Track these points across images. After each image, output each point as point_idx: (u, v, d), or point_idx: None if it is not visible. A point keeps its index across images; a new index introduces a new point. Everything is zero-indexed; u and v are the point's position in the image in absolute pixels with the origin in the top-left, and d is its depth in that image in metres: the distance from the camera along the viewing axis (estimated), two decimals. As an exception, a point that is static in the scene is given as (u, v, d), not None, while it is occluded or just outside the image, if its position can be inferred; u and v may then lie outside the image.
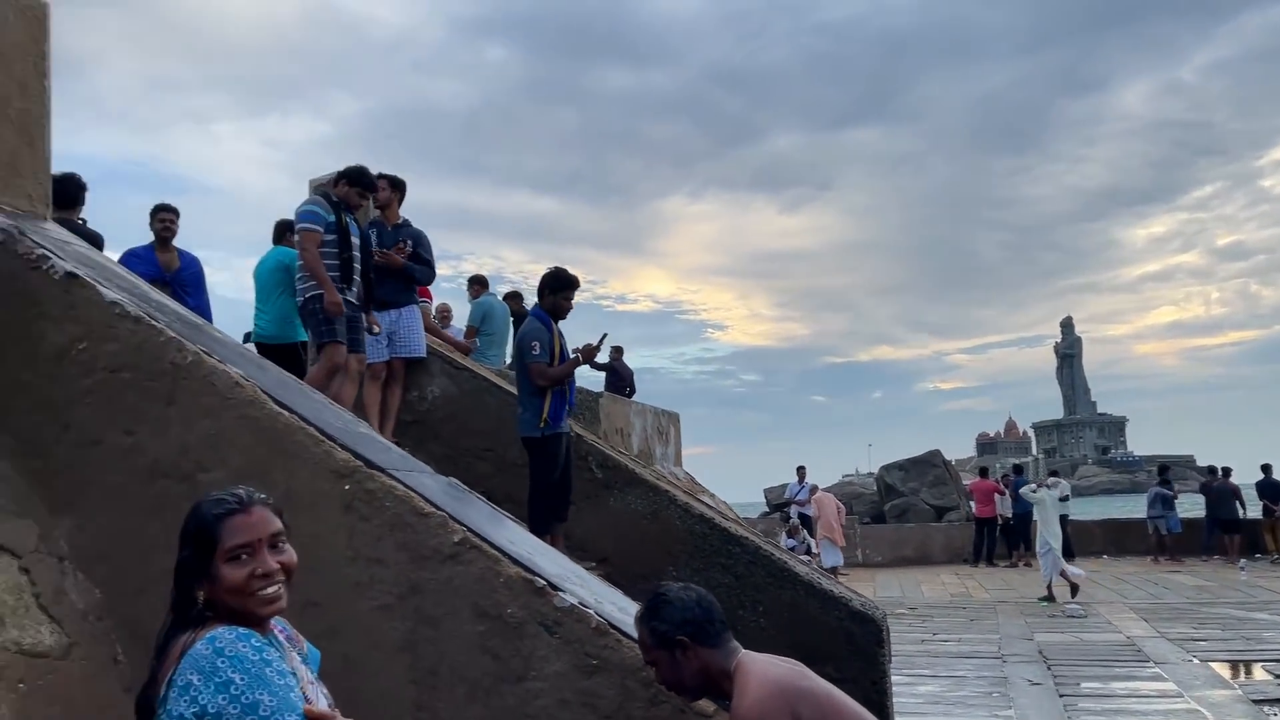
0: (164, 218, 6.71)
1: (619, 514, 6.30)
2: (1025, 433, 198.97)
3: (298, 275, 5.84)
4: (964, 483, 26.21)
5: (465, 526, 3.23)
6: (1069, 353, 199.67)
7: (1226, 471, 20.20)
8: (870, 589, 14.81)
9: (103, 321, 3.47)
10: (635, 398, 12.83)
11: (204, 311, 6.33)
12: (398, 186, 6.92)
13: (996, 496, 20.02)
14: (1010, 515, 19.58)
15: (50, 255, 3.56)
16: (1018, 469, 22.75)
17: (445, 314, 10.77)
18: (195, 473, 3.37)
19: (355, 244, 5.92)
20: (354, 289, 5.90)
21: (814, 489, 19.47)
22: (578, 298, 6.09)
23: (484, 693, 3.06)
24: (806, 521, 18.10)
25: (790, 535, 16.86)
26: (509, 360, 10.00)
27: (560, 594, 3.08)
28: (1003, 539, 20.27)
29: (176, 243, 6.77)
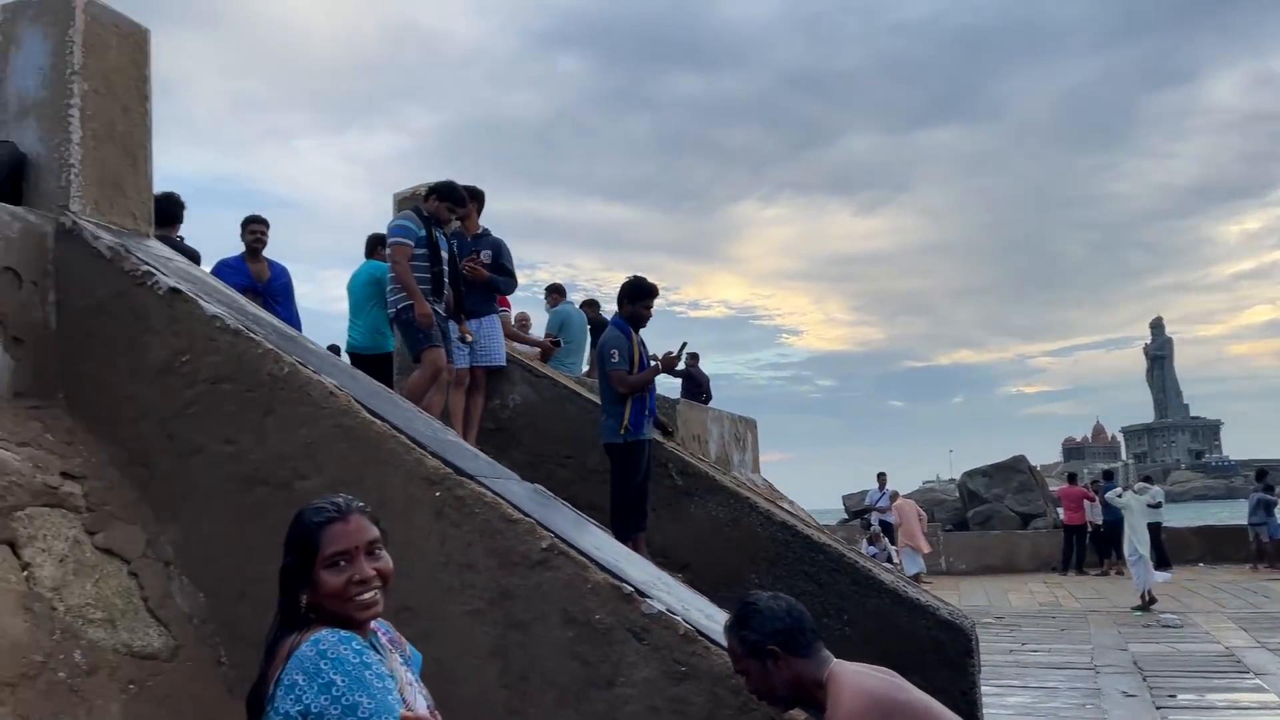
0: (255, 229, 6.92)
1: (699, 521, 6.29)
2: (1114, 437, 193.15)
3: (389, 287, 5.99)
4: (1051, 489, 25.54)
5: (553, 533, 3.26)
6: (1159, 354, 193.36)
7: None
8: (955, 598, 14.50)
9: (204, 335, 3.60)
10: (710, 404, 12.79)
11: (293, 320, 6.52)
12: (476, 197, 7.02)
13: (1086, 503, 19.47)
14: (1100, 522, 19.00)
15: (154, 271, 3.71)
16: (1107, 474, 22.03)
17: (524, 323, 10.88)
18: (292, 480, 3.47)
19: (445, 257, 6.05)
20: (443, 301, 6.03)
21: (894, 495, 19.18)
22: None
23: (574, 698, 3.08)
24: (887, 528, 17.84)
25: (871, 542, 16.63)
26: (586, 368, 10.08)
27: (648, 600, 3.09)
28: (1093, 546, 19.69)
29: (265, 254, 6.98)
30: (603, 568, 3.19)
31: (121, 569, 3.30)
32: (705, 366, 16.14)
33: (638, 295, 5.96)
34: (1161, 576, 13.65)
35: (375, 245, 7.05)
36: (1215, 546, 20.17)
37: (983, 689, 5.70)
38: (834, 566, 5.79)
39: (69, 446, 3.54)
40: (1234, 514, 22.34)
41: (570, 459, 6.71)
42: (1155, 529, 17.01)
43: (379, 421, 3.48)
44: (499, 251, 6.94)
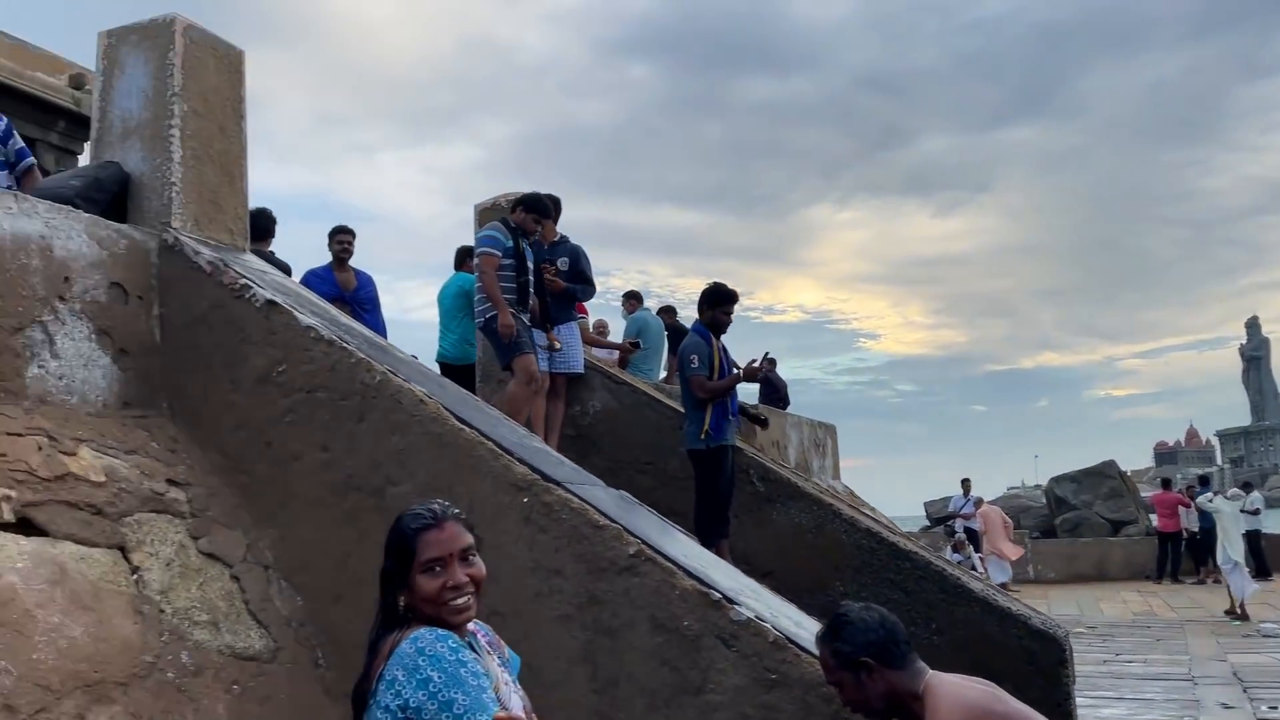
0: (342, 239, 7.10)
1: (782, 528, 6.24)
2: (1208, 441, 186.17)
3: (476, 298, 6.10)
4: (1143, 495, 24.72)
5: (640, 539, 3.28)
6: (1255, 355, 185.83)
7: None
8: (1045, 607, 14.13)
9: (300, 345, 3.70)
10: (788, 410, 12.70)
11: (380, 329, 6.67)
12: (552, 204, 7.10)
13: (1180, 509, 18.79)
14: (1196, 529, 18.33)
15: (252, 284, 3.83)
16: (1203, 480, 21.25)
17: (602, 329, 10.95)
18: (385, 486, 3.54)
19: (530, 267, 6.14)
20: (528, 310, 6.12)
21: (979, 502, 18.77)
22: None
23: (663, 704, 3.09)
24: (972, 536, 17.47)
25: (956, 550, 16.30)
26: (664, 373, 10.10)
27: (736, 607, 3.09)
28: (1188, 554, 19.00)
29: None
30: (690, 574, 3.19)
31: (224, 573, 3.41)
32: (781, 372, 16.03)
33: (717, 301, 5.97)
34: (1250, 589, 13.11)
35: (464, 257, 7.20)
36: (1320, 554, 19.29)
37: (1077, 700, 5.55)
38: (921, 574, 5.70)
39: (173, 454, 3.67)
40: (1340, 521, 21.33)
41: (650, 465, 6.72)
42: (1254, 536, 16.36)
43: (467, 429, 3.54)
44: (576, 258, 6.99)
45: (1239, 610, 13.17)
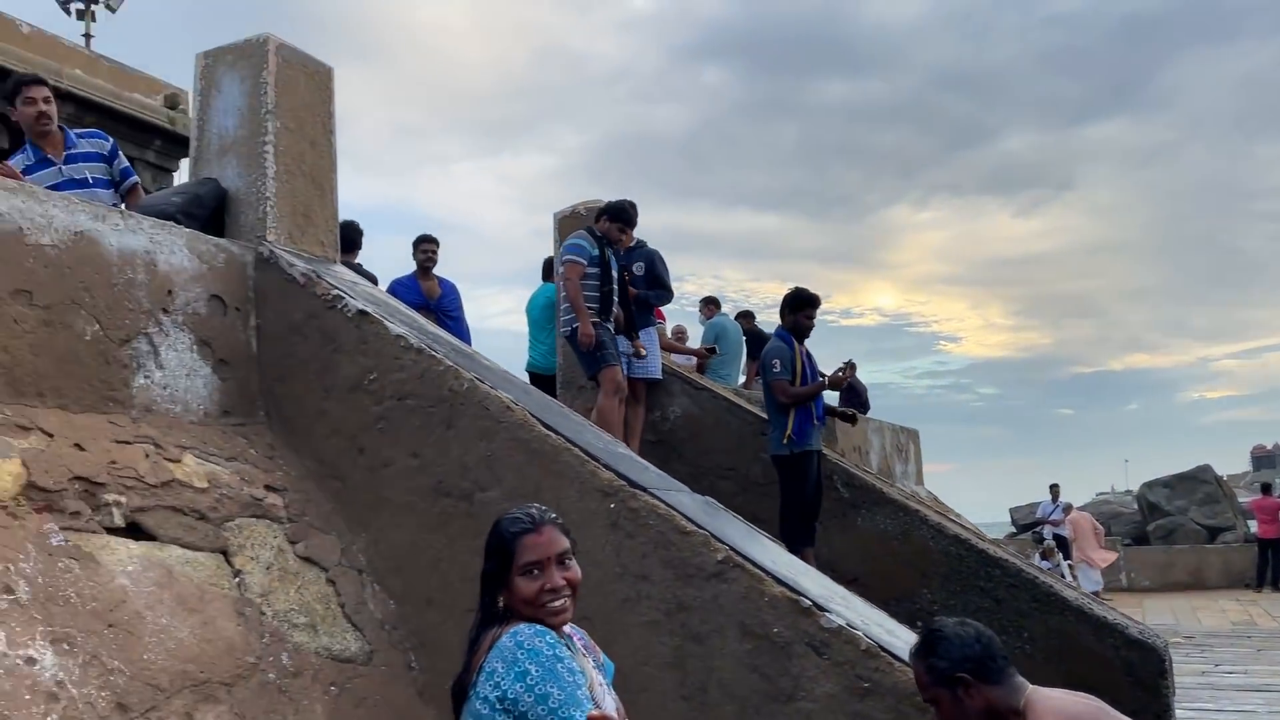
0: (426, 248, 7.23)
1: (867, 534, 6.17)
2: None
3: (562, 307, 6.16)
4: (1240, 500, 23.76)
5: (727, 545, 3.26)
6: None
7: None
8: (1139, 616, 13.69)
9: (390, 354, 3.78)
10: (868, 414, 12.52)
11: (464, 336, 6.77)
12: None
13: (1282, 515, 18.05)
14: (1299, 536, 17.58)
15: (343, 295, 3.92)
16: (1306, 485, 20.36)
17: (681, 335, 10.95)
18: (474, 492, 3.60)
19: (614, 277, 6.18)
20: (612, 319, 6.16)
21: (1068, 508, 18.27)
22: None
23: (754, 711, 3.07)
24: (1061, 543, 17.01)
25: (1044, 557, 15.88)
26: (743, 379, 10.05)
27: (827, 614, 3.05)
28: (1291, 562, 18.24)
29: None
30: (779, 580, 3.17)
31: (320, 576, 3.49)
32: (859, 376, 15.80)
33: (799, 305, 5.94)
34: None
35: (552, 268, 7.29)
36: None
37: (1176, 713, 5.36)
38: (1012, 582, 5.58)
39: (270, 461, 3.78)
40: None
41: (732, 471, 6.70)
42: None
43: (553, 435, 3.57)
44: (651, 263, 7.00)
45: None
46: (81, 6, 13.09)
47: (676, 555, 3.29)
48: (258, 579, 3.29)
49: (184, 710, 2.76)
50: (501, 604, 2.06)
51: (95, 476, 3.09)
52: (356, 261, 6.60)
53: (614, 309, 6.19)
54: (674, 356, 8.08)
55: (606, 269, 6.11)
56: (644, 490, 3.44)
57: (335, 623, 3.40)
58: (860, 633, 3.02)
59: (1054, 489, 19.24)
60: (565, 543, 2.10)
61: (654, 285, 6.96)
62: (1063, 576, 14.91)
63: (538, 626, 1.99)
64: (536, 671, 1.90)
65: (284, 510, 3.59)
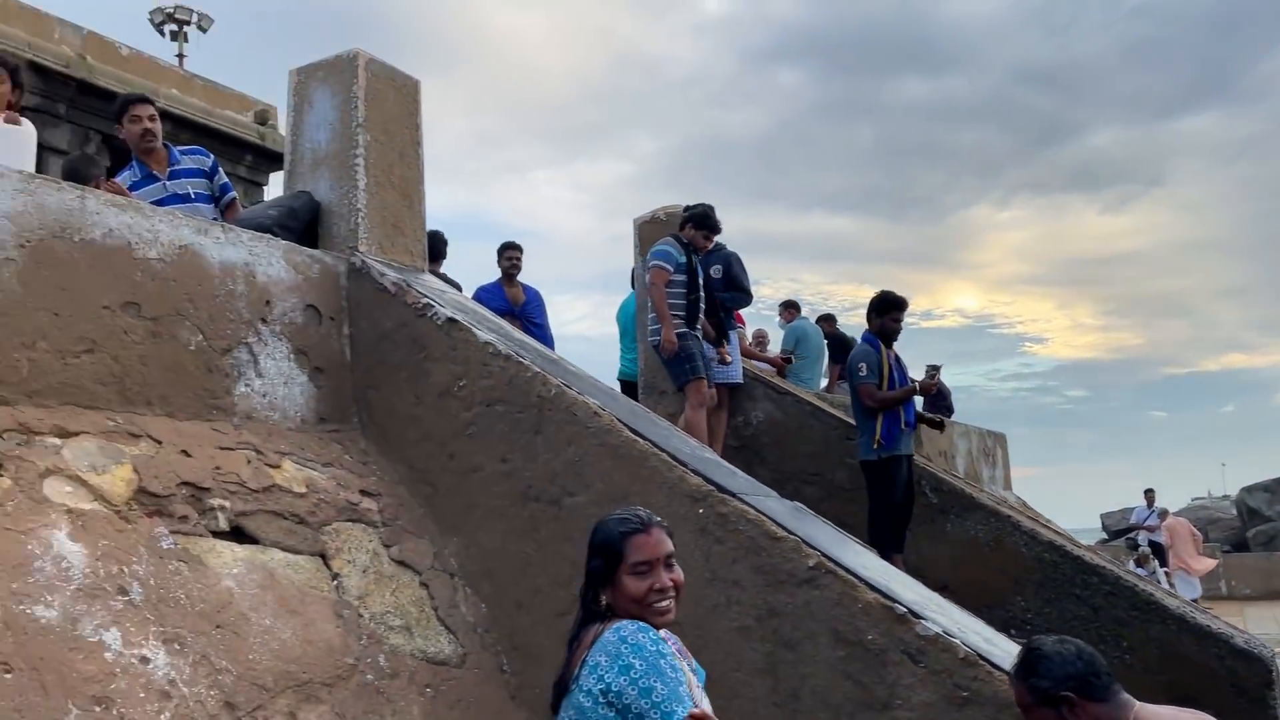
0: (510, 255, 7.33)
1: (956, 540, 6.04)
2: None
3: (649, 315, 6.16)
4: (1349, 506, 22.68)
5: (819, 551, 3.23)
6: None
7: None
8: (1240, 625, 13.16)
9: (479, 361, 3.83)
10: (952, 417, 12.28)
11: (548, 342, 6.84)
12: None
13: (1395, 522, 17.19)
14: None
15: (433, 303, 3.99)
16: None
17: (761, 339, 10.88)
18: (562, 497, 3.62)
19: (700, 284, 6.17)
20: (699, 326, 6.14)
21: (1164, 513, 17.66)
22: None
23: (848, 719, 3.03)
24: (1157, 549, 16.45)
25: (1139, 565, 15.38)
26: (824, 383, 9.94)
27: (923, 621, 3.00)
28: (1405, 571, 17.36)
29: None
30: (872, 587, 3.12)
31: (414, 580, 3.56)
32: (942, 379, 15.52)
33: (885, 308, 5.86)
34: None
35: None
36: None
37: (1287, 727, 5.14)
38: (1109, 589, 5.42)
39: (364, 466, 3.86)
40: None
41: (816, 476, 6.63)
42: None
43: (641, 440, 3.58)
44: (728, 265, 6.94)
45: None
46: (175, 28, 13.60)
47: (767, 561, 3.26)
48: (355, 582, 3.37)
49: (288, 710, 2.83)
50: (604, 602, 2.09)
51: (201, 482, 3.20)
52: (441, 270, 6.72)
53: (700, 317, 6.16)
54: (754, 363, 8.03)
55: (694, 277, 6.08)
56: (733, 495, 3.42)
57: (429, 625, 3.45)
58: (958, 640, 2.96)
59: (1149, 494, 18.63)
60: (670, 545, 2.14)
61: (732, 288, 6.91)
62: (1159, 584, 14.43)
63: (640, 623, 2.02)
64: (641, 665, 1.93)
65: (378, 515, 3.67)
